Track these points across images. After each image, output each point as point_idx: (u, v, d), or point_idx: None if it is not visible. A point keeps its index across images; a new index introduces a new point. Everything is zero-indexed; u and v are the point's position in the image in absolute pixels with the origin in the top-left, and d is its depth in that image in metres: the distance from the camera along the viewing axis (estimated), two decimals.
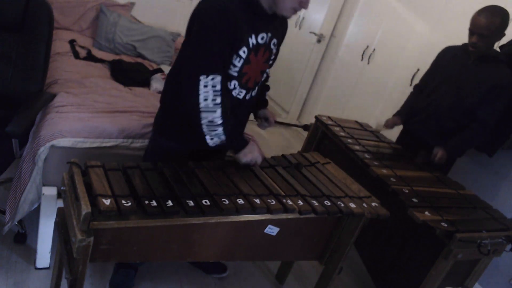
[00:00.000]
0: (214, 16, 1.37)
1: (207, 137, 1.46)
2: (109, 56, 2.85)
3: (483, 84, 2.06)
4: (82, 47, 2.82)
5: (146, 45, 3.05)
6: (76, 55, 2.66)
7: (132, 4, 3.27)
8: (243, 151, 1.57)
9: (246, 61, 1.49)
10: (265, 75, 1.67)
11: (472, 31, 2.03)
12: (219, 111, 1.42)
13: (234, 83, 1.53)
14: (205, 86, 1.39)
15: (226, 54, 1.43)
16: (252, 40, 1.46)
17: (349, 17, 3.74)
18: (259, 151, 1.62)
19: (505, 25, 1.99)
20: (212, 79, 1.39)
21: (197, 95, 1.40)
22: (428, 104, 2.27)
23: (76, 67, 2.46)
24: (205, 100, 1.40)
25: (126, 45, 2.99)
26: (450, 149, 2.13)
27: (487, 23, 1.96)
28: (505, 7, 2.00)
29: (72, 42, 2.82)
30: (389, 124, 2.40)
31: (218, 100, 1.41)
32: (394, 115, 2.43)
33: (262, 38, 1.51)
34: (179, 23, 3.49)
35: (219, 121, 1.43)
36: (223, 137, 1.46)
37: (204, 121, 1.42)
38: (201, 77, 1.39)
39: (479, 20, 1.98)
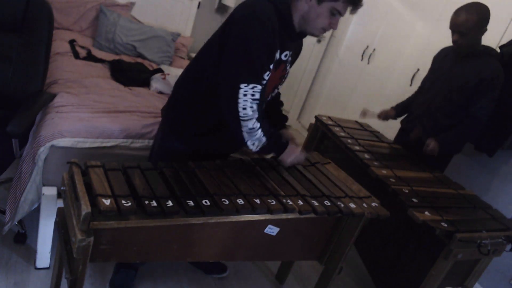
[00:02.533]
0: (258, 24, 1.36)
1: (249, 143, 1.46)
2: (109, 56, 2.85)
3: (471, 79, 2.08)
4: (82, 47, 2.82)
5: (146, 45, 3.05)
6: (76, 55, 2.66)
7: (132, 4, 3.27)
8: (286, 152, 1.57)
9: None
10: (276, 91, 1.68)
11: (452, 30, 2.08)
12: (256, 116, 1.42)
13: None
14: (245, 95, 1.38)
15: (266, 65, 1.42)
16: (276, 55, 1.47)
17: (349, 17, 3.73)
18: (301, 153, 1.61)
19: (483, 21, 2.02)
20: (252, 88, 1.38)
21: (236, 103, 1.38)
22: (422, 102, 2.31)
23: (76, 67, 2.46)
24: (244, 109, 1.39)
25: (126, 45, 2.99)
26: (442, 142, 2.15)
27: (463, 21, 2.00)
28: (504, 6, 2.00)
29: (72, 42, 2.82)
30: (382, 115, 2.45)
31: (255, 107, 1.40)
32: (391, 108, 2.48)
33: (286, 56, 1.52)
34: (179, 23, 3.50)
35: (257, 125, 1.43)
36: (263, 139, 1.46)
37: (244, 129, 1.42)
38: (242, 85, 1.37)
39: (455, 19, 2.03)
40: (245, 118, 1.40)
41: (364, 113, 2.43)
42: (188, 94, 1.59)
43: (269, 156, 1.70)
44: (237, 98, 1.38)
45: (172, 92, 1.68)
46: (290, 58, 1.58)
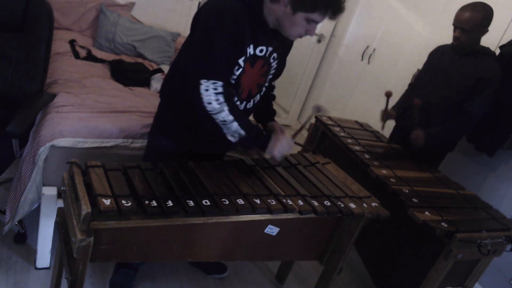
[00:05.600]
0: (221, 18, 1.34)
1: (228, 136, 1.44)
2: (109, 56, 2.85)
3: (469, 78, 2.09)
4: (82, 47, 2.82)
5: (146, 45, 3.05)
6: (76, 55, 2.66)
7: (132, 4, 3.27)
8: (270, 143, 1.52)
9: (242, 70, 1.47)
10: (263, 89, 1.65)
11: (454, 26, 2.09)
12: (226, 108, 1.39)
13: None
14: (206, 90, 1.37)
15: (230, 59, 1.40)
16: (249, 50, 1.44)
17: (349, 17, 3.74)
18: (287, 139, 1.54)
19: (487, 21, 2.03)
20: (214, 83, 1.37)
21: (200, 99, 1.37)
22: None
23: (76, 67, 2.46)
24: (209, 103, 1.38)
25: (126, 45, 2.99)
26: (430, 134, 2.15)
27: (468, 17, 2.02)
28: (504, 6, 2.01)
29: (72, 42, 2.82)
30: (384, 117, 2.44)
31: (221, 98, 1.38)
32: (390, 108, 2.47)
33: (261, 51, 1.49)
34: (179, 23, 3.49)
35: (231, 117, 1.40)
36: (242, 132, 1.43)
37: (218, 122, 1.40)
38: (202, 81, 1.36)
39: (461, 15, 2.05)
40: (213, 112, 1.39)
41: (385, 117, 2.38)
42: (168, 92, 1.60)
43: (269, 156, 1.69)
44: (199, 94, 1.37)
45: (159, 91, 1.68)
46: (275, 54, 1.55)
